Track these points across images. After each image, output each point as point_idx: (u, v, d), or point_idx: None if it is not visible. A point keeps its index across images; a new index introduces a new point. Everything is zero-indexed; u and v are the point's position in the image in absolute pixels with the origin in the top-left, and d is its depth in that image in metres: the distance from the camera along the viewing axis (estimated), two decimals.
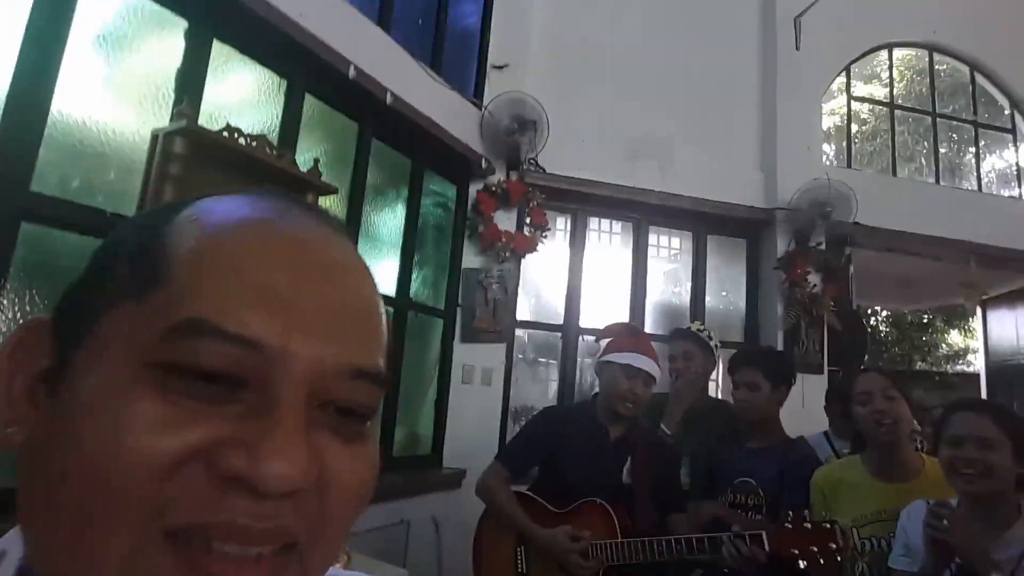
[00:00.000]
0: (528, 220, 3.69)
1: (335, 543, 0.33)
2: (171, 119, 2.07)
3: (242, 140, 2.11)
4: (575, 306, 4.09)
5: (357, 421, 0.33)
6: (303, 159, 2.46)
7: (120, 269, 0.32)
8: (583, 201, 4.06)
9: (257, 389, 0.29)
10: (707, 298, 4.40)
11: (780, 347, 4.16)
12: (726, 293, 4.57)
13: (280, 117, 2.54)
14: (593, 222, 4.27)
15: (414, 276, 3.34)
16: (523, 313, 4.02)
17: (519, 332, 4.03)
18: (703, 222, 4.36)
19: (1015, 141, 5.55)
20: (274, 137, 2.46)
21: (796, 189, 4.24)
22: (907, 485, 1.77)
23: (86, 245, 2.02)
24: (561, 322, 4.07)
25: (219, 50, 2.29)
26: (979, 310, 6.53)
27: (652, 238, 4.40)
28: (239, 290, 0.29)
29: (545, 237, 3.73)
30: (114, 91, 2.02)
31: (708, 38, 4.50)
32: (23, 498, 0.30)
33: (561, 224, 4.16)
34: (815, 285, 4.24)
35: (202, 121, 2.10)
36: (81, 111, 1.95)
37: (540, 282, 4.17)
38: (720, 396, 3.99)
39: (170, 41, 2.17)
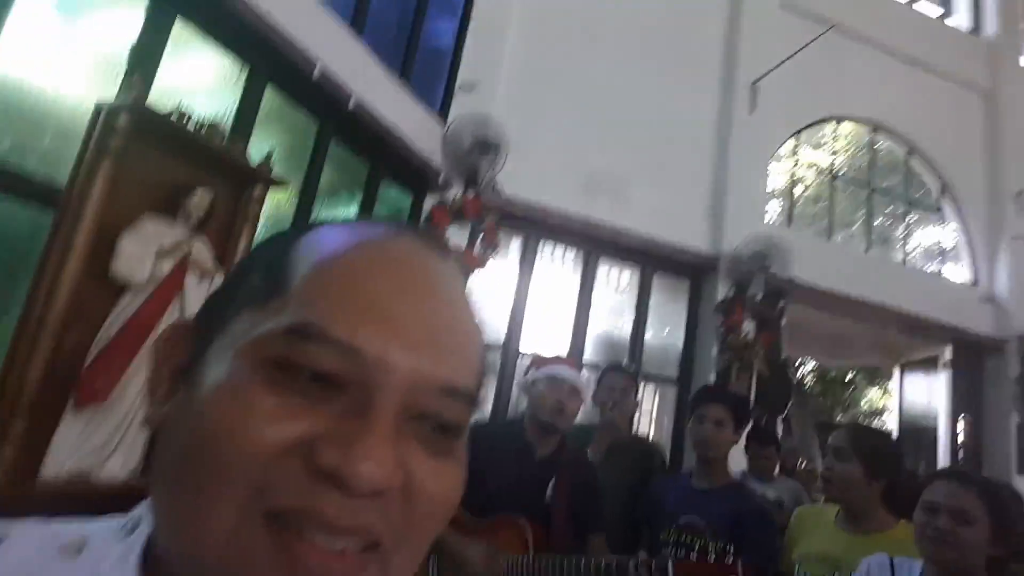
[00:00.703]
0: (481, 238, 3.71)
1: (417, 551, 0.35)
2: (119, 92, 2.00)
3: (192, 126, 2.06)
4: (517, 327, 4.12)
5: (447, 438, 0.35)
6: (258, 150, 2.41)
7: (253, 280, 0.36)
8: (537, 226, 4.12)
9: (355, 393, 0.32)
10: (647, 332, 4.50)
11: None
12: (667, 330, 4.70)
13: (237, 105, 2.49)
14: (544, 246, 4.33)
15: None
16: None
17: None
18: (651, 260, 4.49)
19: (942, 221, 5.97)
20: (230, 124, 2.41)
21: (740, 239, 4.42)
22: (866, 538, 1.78)
23: (10, 209, 1.93)
24: (501, 341, 4.08)
25: (181, 29, 2.24)
26: (896, 373, 6.93)
27: (601, 269, 4.49)
28: (348, 302, 0.33)
29: (494, 256, 3.76)
30: (64, 55, 1.95)
31: (673, 85, 4.69)
32: (154, 473, 0.35)
33: (513, 246, 4.20)
34: (748, 332, 4.41)
35: (154, 99, 2.04)
36: (24, 69, 1.87)
37: (487, 300, 4.18)
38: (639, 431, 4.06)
39: (130, 12, 2.11)
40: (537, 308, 4.23)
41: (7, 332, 1.76)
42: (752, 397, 4.40)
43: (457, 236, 3.64)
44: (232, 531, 0.30)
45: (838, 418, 12.43)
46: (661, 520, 2.07)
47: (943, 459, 5.92)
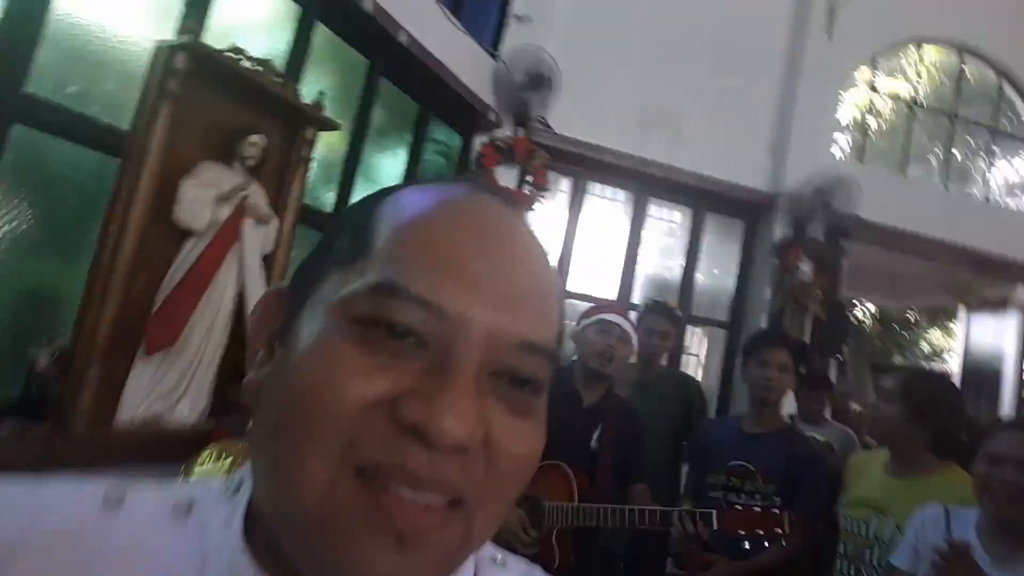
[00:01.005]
0: (530, 179, 3.65)
1: (500, 508, 0.36)
2: (176, 33, 2.00)
3: (246, 63, 2.05)
4: (565, 270, 4.10)
5: (527, 394, 0.35)
6: (308, 91, 2.39)
7: (340, 243, 0.37)
8: (587, 165, 4.00)
9: (437, 349, 0.33)
10: (697, 275, 4.41)
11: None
12: (717, 272, 4.59)
13: (290, 44, 2.46)
14: (594, 187, 4.23)
15: None
16: None
17: None
18: (704, 199, 4.33)
19: None
20: (281, 65, 2.39)
21: (803, 176, 4.20)
22: (908, 482, 1.77)
23: (77, 154, 1.99)
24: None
25: None
26: (963, 313, 6.62)
27: (652, 210, 4.37)
28: (429, 261, 0.34)
29: (544, 197, 3.70)
30: None
31: (739, 9, 4.36)
32: (253, 433, 0.36)
33: (562, 186, 4.12)
34: (806, 274, 4.26)
35: (208, 40, 2.03)
36: (85, 14, 1.87)
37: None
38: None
39: None
40: (586, 250, 4.18)
41: (80, 279, 1.84)
42: (807, 340, 4.30)
43: (506, 176, 3.59)
44: (325, 485, 0.31)
45: (896, 360, 12.08)
46: (708, 463, 2.09)
47: (1008, 404, 5.70)
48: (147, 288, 1.91)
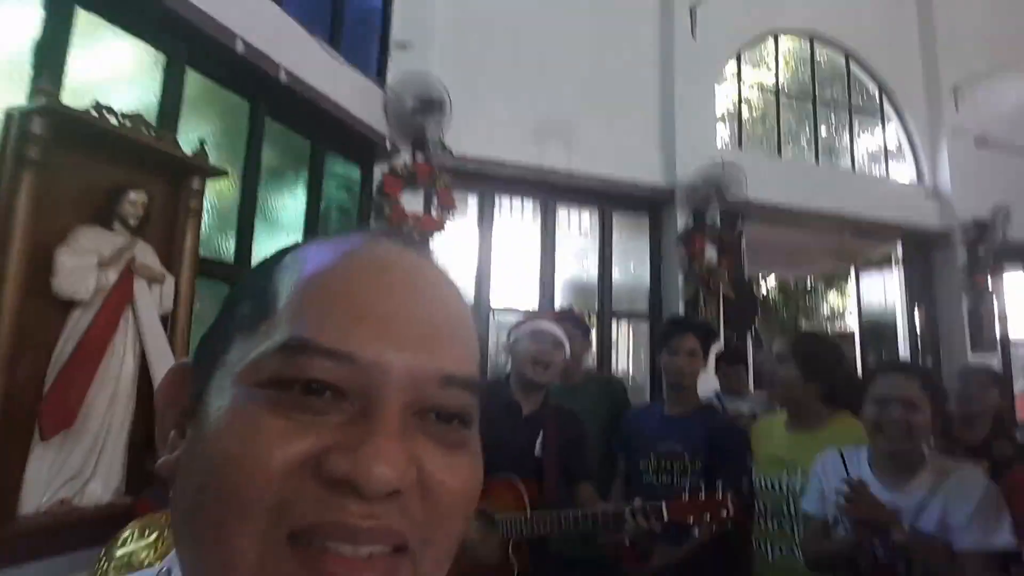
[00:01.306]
0: (435, 201, 3.65)
1: (446, 547, 0.35)
2: (29, 97, 1.86)
3: (113, 120, 1.93)
4: (485, 285, 4.12)
5: (456, 428, 0.35)
6: (189, 139, 2.29)
7: (241, 309, 0.36)
8: (491, 181, 4.06)
9: (357, 399, 0.32)
10: (614, 272, 4.55)
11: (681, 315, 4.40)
12: (632, 267, 4.76)
13: (159, 95, 2.35)
14: (501, 201, 4.29)
15: None
16: None
17: None
18: (608, 199, 4.49)
19: (883, 123, 6.08)
20: (153, 116, 2.28)
21: (694, 167, 4.44)
22: (809, 435, 1.94)
23: None
24: (472, 302, 4.08)
25: (84, 19, 2.08)
26: (853, 275, 7.19)
27: (560, 215, 4.48)
28: (335, 311, 0.33)
29: (452, 217, 3.71)
30: None
31: (609, 18, 4.59)
32: (174, 517, 0.35)
33: (469, 203, 4.15)
34: (711, 259, 4.49)
35: (67, 99, 1.90)
36: None
37: (449, 263, 4.14)
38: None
39: (26, 9, 1.94)
40: (502, 263, 4.22)
41: None
42: (721, 320, 4.53)
43: (412, 202, 3.57)
44: (257, 560, 0.30)
45: (802, 325, 12.92)
46: (639, 449, 2.16)
47: (904, 350, 6.22)
48: (34, 368, 1.75)
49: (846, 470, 1.62)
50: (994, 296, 6.03)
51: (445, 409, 0.34)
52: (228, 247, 2.70)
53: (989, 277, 6.01)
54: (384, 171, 3.53)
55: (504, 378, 2.15)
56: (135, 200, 1.97)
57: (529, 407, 2.03)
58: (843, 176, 5.73)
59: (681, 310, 4.42)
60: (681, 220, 4.49)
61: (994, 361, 6.05)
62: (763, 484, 1.96)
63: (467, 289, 4.11)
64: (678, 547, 1.92)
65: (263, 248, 2.87)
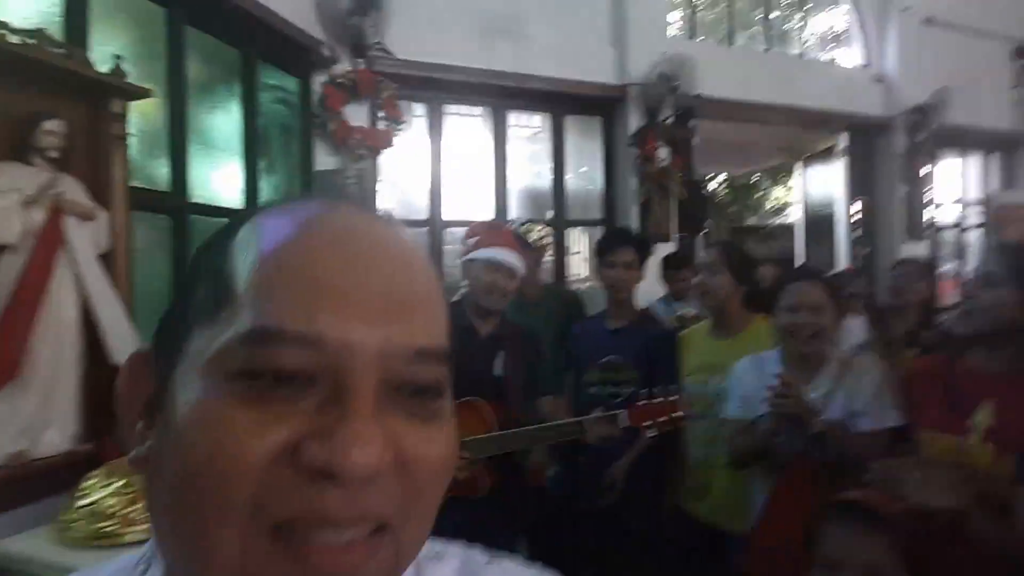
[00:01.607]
0: (382, 113, 3.46)
1: (426, 519, 0.35)
2: None
3: (13, 37, 1.71)
4: (438, 198, 4.03)
5: (430, 400, 0.35)
6: (101, 57, 2.06)
7: (199, 293, 0.35)
8: (438, 88, 3.86)
9: (328, 382, 0.31)
10: (568, 178, 4.50)
11: (636, 220, 4.44)
12: (585, 171, 4.71)
13: (61, 5, 2.08)
14: (450, 108, 4.11)
15: (263, 184, 3.06)
16: (398, 210, 3.89)
17: None
18: (560, 102, 4.36)
19: (835, 4, 5.96)
20: (57, 32, 2.02)
21: (646, 63, 4.32)
22: (729, 341, 2.10)
23: None
24: (425, 217, 4.00)
25: None
26: (799, 168, 7.33)
27: (512, 120, 4.35)
28: (297, 292, 0.32)
29: (400, 130, 3.54)
30: None
31: None
32: (152, 512, 0.35)
33: (417, 113, 3.96)
34: (664, 159, 4.48)
35: None
36: None
37: (401, 177, 4.01)
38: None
39: None
40: (453, 174, 4.11)
41: None
42: (674, 222, 4.59)
43: (357, 114, 3.38)
44: (241, 554, 0.30)
45: (749, 221, 13.28)
46: (583, 362, 2.26)
47: (842, 241, 6.50)
48: None
49: (763, 372, 1.73)
50: (928, 183, 6.28)
51: (420, 382, 0.34)
52: (162, 174, 2.53)
53: (925, 164, 6.23)
54: (324, 82, 3.29)
55: (459, 299, 2.15)
56: (51, 130, 1.78)
57: (486, 329, 2.06)
58: (792, 64, 5.68)
59: (635, 214, 4.45)
60: (634, 120, 4.42)
61: (925, 248, 6.41)
62: (692, 390, 2.09)
63: (419, 204, 4.01)
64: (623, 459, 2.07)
65: (200, 173, 2.70)
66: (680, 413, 1.81)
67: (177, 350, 0.34)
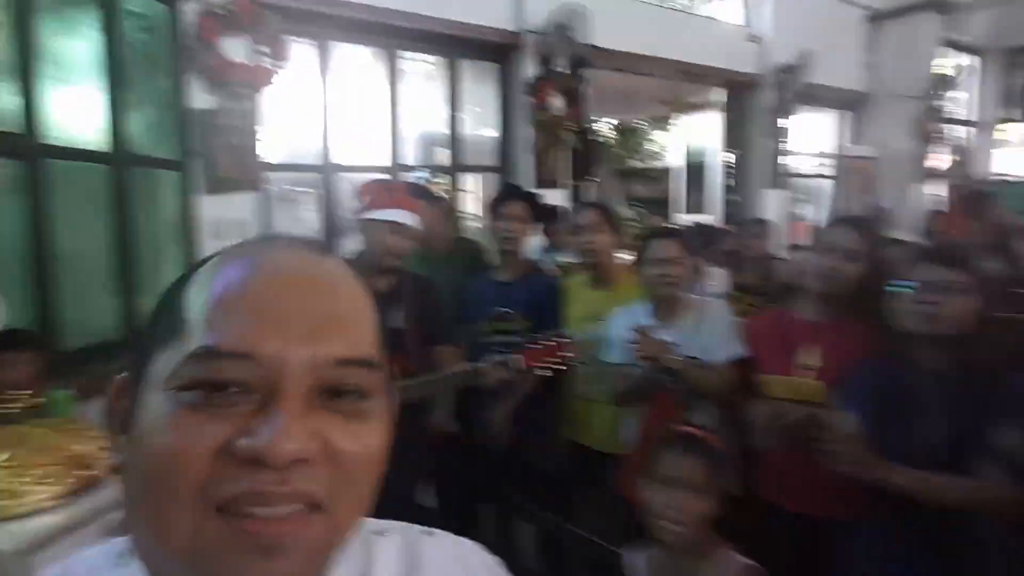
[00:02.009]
0: (265, 49, 3.20)
1: (358, 500, 0.42)
2: None
3: None
4: (330, 143, 3.85)
5: (356, 401, 0.41)
6: None
7: (159, 328, 0.42)
8: (327, 24, 3.62)
9: (263, 389, 0.38)
10: (464, 123, 4.46)
11: (532, 168, 4.52)
12: (481, 116, 4.68)
13: None
14: (339, 47, 3.88)
15: (129, 122, 2.76)
16: (273, 155, 3.66)
17: (271, 176, 3.71)
18: (455, 45, 4.24)
19: None
20: None
21: (543, 12, 4.30)
22: (612, 291, 2.29)
23: None
24: (318, 162, 3.83)
25: None
26: (681, 119, 7.73)
27: (406, 64, 4.19)
28: (235, 318, 0.39)
29: (283, 67, 3.31)
30: None
31: None
32: (125, 505, 0.41)
33: (305, 52, 3.70)
34: (558, 108, 4.55)
35: None
36: None
37: (288, 119, 3.78)
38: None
39: None
40: (345, 117, 3.93)
41: None
42: (567, 171, 4.73)
43: (235, 48, 3.11)
44: (192, 529, 0.37)
45: (632, 164, 13.85)
46: (476, 315, 2.36)
47: (716, 192, 7.02)
48: None
49: (634, 320, 1.97)
50: (789, 137, 6.88)
51: (344, 387, 0.40)
52: (10, 107, 2.22)
53: (788, 119, 6.80)
54: (199, 11, 2.98)
55: (356, 256, 2.13)
56: None
57: (384, 285, 2.07)
58: (679, 19, 5.88)
59: (529, 162, 4.52)
60: (529, 69, 4.42)
61: (784, 197, 7.08)
62: (576, 337, 2.25)
63: (311, 149, 3.81)
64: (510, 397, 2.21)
65: (57, 106, 2.39)
66: (569, 353, 1.95)
67: (144, 373, 0.41)
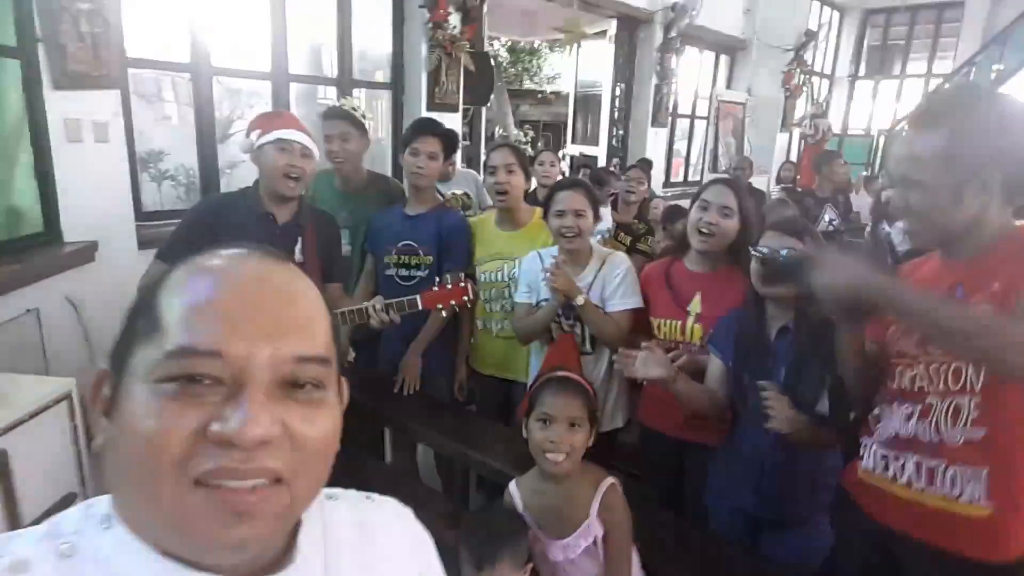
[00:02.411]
0: None
1: (316, 475, 0.50)
2: None
3: None
4: (203, 40, 3.49)
5: (311, 391, 0.49)
6: None
7: (138, 324, 0.48)
8: None
9: (231, 382, 0.45)
10: (353, 38, 4.20)
11: (423, 87, 4.40)
12: (373, 27, 4.43)
13: None
14: None
15: None
16: (136, 49, 3.27)
17: (134, 72, 3.33)
18: None
19: None
20: None
21: None
22: (517, 233, 2.37)
23: None
24: (188, 60, 3.47)
25: None
26: (575, 47, 7.74)
27: None
28: (206, 320, 0.45)
29: None
30: None
31: None
32: (111, 479, 0.47)
33: None
34: (455, 26, 4.41)
35: None
36: None
37: (154, 10, 3.36)
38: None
39: None
40: (222, 15, 3.56)
41: None
42: (461, 92, 4.65)
43: None
44: (175, 501, 0.43)
45: (525, 84, 13.74)
46: (382, 246, 2.37)
47: (605, 120, 7.22)
48: None
49: (542, 262, 2.10)
50: (673, 76, 7.17)
51: (301, 379, 0.48)
52: None
53: (674, 57, 7.06)
54: None
55: (253, 185, 2.05)
56: None
57: (284, 216, 2.02)
58: None
59: (423, 81, 4.40)
60: None
61: (664, 132, 7.46)
62: (486, 277, 2.37)
63: (182, 45, 3.44)
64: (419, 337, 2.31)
65: None
66: (468, 296, 2.02)
67: (125, 366, 0.47)
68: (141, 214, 3.38)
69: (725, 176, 2.88)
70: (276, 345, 0.46)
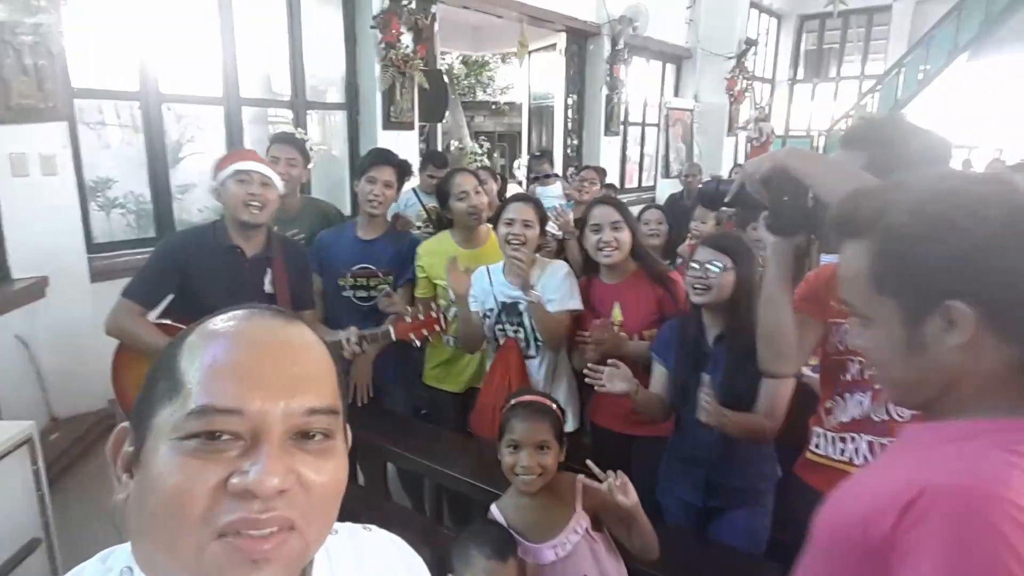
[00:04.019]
0: None
1: (325, 520, 0.53)
2: None
3: None
4: (152, 67, 3.45)
5: (321, 441, 0.52)
6: None
7: (159, 386, 0.50)
8: None
9: (249, 436, 0.48)
10: (306, 59, 4.21)
11: (378, 106, 4.42)
12: (325, 48, 4.43)
13: None
14: None
15: None
16: (83, 80, 3.22)
17: (81, 104, 3.27)
18: None
19: None
20: None
21: None
22: (476, 251, 2.44)
23: None
24: (137, 88, 3.43)
25: None
26: (527, 59, 7.86)
27: None
28: (224, 380, 0.49)
29: None
30: None
31: None
32: (132, 535, 0.51)
33: None
34: (407, 45, 4.46)
35: None
36: None
37: (100, 39, 3.31)
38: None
39: None
40: (172, 42, 3.53)
41: None
42: (416, 110, 4.69)
43: None
44: (198, 552, 0.46)
45: (479, 96, 13.82)
46: (336, 269, 2.39)
47: (559, 130, 7.35)
48: None
49: (490, 277, 2.18)
50: (622, 86, 7.36)
51: (311, 431, 0.51)
52: None
53: (623, 68, 7.25)
54: None
55: (220, 222, 2.06)
56: None
57: (252, 249, 2.02)
58: None
59: (378, 101, 4.42)
60: (378, 3, 4.24)
61: (617, 140, 7.64)
62: (445, 296, 2.39)
63: (130, 74, 3.39)
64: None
65: None
66: (440, 327, 2.08)
67: (147, 425, 0.50)
68: (92, 246, 3.30)
69: (600, 196, 3.06)
70: (288, 399, 0.49)
